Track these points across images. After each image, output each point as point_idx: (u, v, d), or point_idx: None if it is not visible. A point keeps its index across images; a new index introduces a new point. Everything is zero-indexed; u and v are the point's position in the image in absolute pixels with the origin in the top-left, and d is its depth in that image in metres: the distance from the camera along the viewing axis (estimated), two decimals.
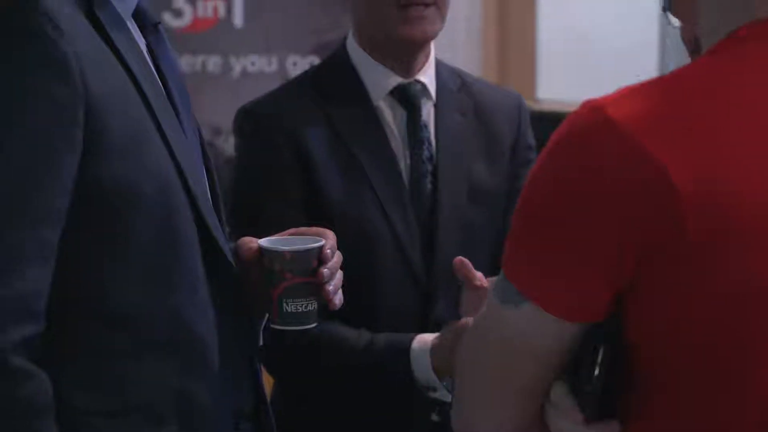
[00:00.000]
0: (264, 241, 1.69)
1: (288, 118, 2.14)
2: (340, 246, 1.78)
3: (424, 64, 2.19)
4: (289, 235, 1.74)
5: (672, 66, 4.95)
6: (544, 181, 1.25)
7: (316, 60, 4.31)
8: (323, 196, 2.10)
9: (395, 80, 2.17)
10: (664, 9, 1.38)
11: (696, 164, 1.19)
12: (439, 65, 2.23)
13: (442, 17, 2.13)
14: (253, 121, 2.16)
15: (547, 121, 2.08)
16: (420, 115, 2.17)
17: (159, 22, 1.62)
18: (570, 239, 1.23)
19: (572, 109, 1.26)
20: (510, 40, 4.74)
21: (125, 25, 1.54)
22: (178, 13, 4.29)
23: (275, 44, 4.32)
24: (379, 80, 2.17)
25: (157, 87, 1.55)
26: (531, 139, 2.28)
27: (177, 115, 1.59)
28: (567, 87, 4.73)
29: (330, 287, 1.68)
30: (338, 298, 1.71)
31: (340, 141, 2.13)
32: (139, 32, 1.59)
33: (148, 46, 1.60)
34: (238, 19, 4.33)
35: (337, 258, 1.71)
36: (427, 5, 2.09)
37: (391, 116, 2.17)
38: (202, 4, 4.31)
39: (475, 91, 2.26)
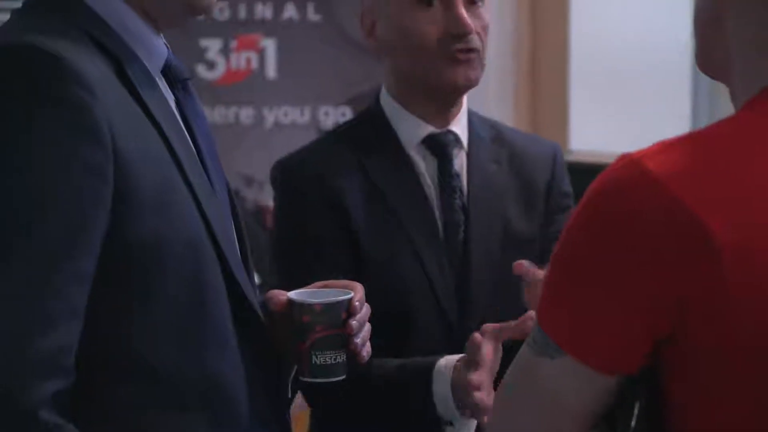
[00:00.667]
0: (293, 294, 1.69)
1: (322, 169, 2.15)
2: (375, 292, 1.79)
3: (456, 115, 2.20)
4: (318, 288, 1.74)
5: (704, 109, 4.99)
6: (581, 234, 1.24)
7: (348, 111, 4.33)
8: (358, 243, 2.12)
9: (427, 129, 2.18)
10: (699, 66, 1.38)
11: (733, 217, 1.18)
12: (472, 116, 2.25)
13: (483, 65, 2.16)
14: (288, 172, 2.18)
15: (580, 172, 2.09)
16: (452, 165, 2.18)
17: (188, 78, 1.63)
18: (608, 291, 1.22)
19: (606, 160, 1.26)
20: (542, 91, 4.74)
21: (155, 82, 1.55)
22: (211, 65, 4.32)
23: (307, 95, 4.34)
24: (411, 130, 2.18)
25: (185, 144, 1.56)
26: (567, 186, 2.29)
27: (206, 170, 1.59)
28: (600, 137, 4.73)
29: (358, 339, 1.68)
30: (366, 351, 1.71)
31: (375, 189, 2.15)
32: (168, 88, 1.60)
33: (177, 101, 1.61)
34: (271, 71, 4.35)
35: (366, 310, 1.72)
36: (471, 50, 2.12)
37: (423, 165, 2.18)
38: (236, 56, 4.33)
39: (510, 141, 2.27)
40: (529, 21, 4.69)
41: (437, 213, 2.16)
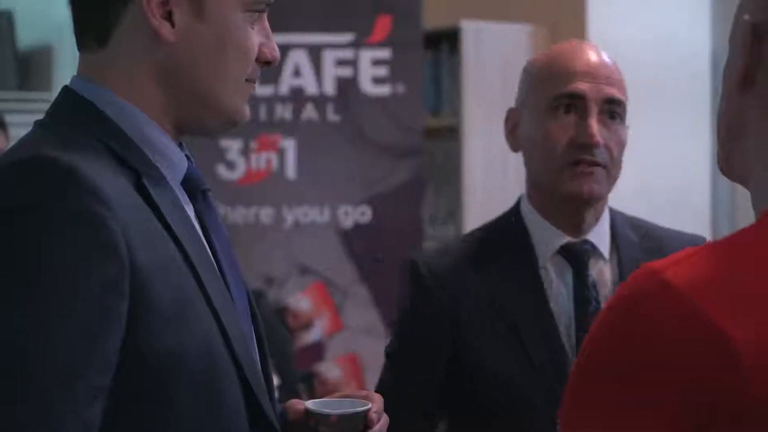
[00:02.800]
0: (310, 404, 1.68)
1: (447, 272, 2.15)
2: (483, 409, 1.79)
3: (594, 224, 2.16)
4: (338, 398, 1.73)
5: (724, 212, 5.00)
6: (604, 345, 1.24)
7: (367, 210, 4.36)
8: (469, 354, 2.11)
9: (563, 239, 2.14)
10: (720, 167, 1.38)
11: (757, 327, 1.18)
12: (616, 217, 2.21)
13: (611, 180, 2.12)
14: (416, 271, 2.17)
15: None
16: (587, 275, 2.14)
17: (208, 189, 1.63)
18: (630, 401, 1.21)
19: None
20: None
21: (174, 193, 1.55)
22: (231, 166, 4.35)
23: (327, 195, 4.37)
24: (547, 239, 2.15)
25: (204, 255, 1.55)
26: None
27: (224, 280, 1.60)
28: None
29: None
30: None
31: (496, 303, 2.13)
32: (187, 198, 1.60)
33: (196, 210, 1.61)
34: (290, 171, 4.38)
35: (384, 421, 1.70)
36: (596, 164, 2.09)
37: (558, 275, 2.14)
38: (256, 157, 4.37)
39: (659, 239, 2.22)
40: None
41: (565, 328, 2.12)
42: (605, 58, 2.15)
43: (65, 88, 1.57)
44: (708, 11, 4.99)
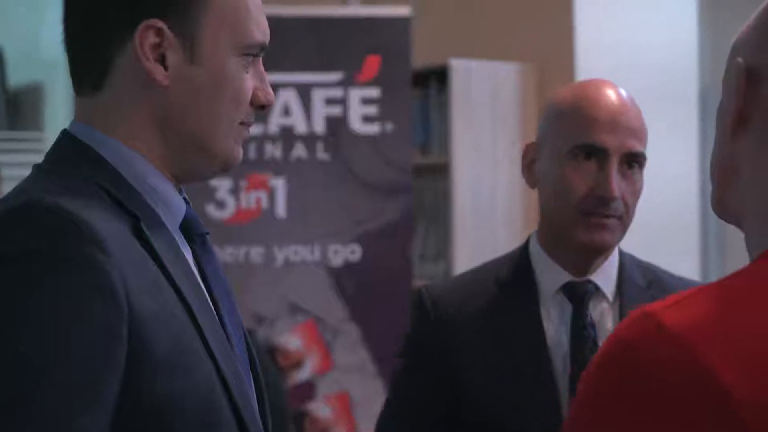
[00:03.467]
0: None
1: (452, 307, 2.17)
2: None
3: (601, 265, 2.17)
4: None
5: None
6: (598, 386, 1.24)
7: (357, 249, 4.36)
8: (466, 387, 2.13)
9: (566, 277, 2.15)
10: (713, 208, 1.38)
11: (750, 370, 1.18)
12: (625, 261, 2.21)
13: (624, 229, 2.13)
14: (420, 302, 2.19)
15: None
16: (586, 313, 2.14)
17: (206, 233, 1.63)
18: None
19: None
20: None
21: (172, 238, 1.55)
22: (221, 205, 4.36)
23: (317, 234, 4.38)
24: (551, 277, 2.16)
25: (202, 301, 1.55)
26: None
27: (223, 325, 1.60)
28: None
29: None
30: None
31: (495, 337, 2.14)
32: (185, 242, 1.60)
33: (194, 254, 1.61)
34: (280, 210, 4.39)
35: None
36: (609, 216, 2.09)
37: (558, 313, 2.15)
38: (245, 196, 4.38)
39: (667, 285, 2.22)
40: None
41: (561, 364, 2.13)
42: (628, 102, 2.13)
43: (63, 132, 1.57)
44: (696, 47, 5.02)
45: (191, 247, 1.61)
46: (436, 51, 4.92)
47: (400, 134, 4.42)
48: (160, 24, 1.52)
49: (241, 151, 1.61)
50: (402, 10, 4.46)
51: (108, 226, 1.44)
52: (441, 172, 4.81)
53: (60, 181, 1.49)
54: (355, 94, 4.41)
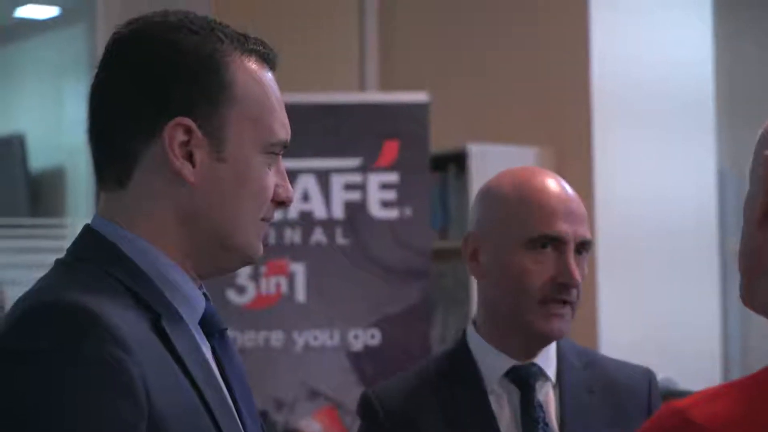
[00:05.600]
0: None
1: (399, 405, 2.18)
2: None
3: (542, 348, 2.19)
4: None
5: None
6: None
7: (377, 333, 4.36)
8: None
9: (510, 363, 2.17)
10: (743, 300, 1.38)
11: None
12: (563, 345, 2.23)
13: (573, 316, 2.16)
14: (368, 405, 2.20)
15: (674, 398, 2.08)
16: (534, 395, 2.16)
17: (226, 328, 1.64)
18: None
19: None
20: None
21: (191, 334, 1.56)
22: (241, 290, 4.37)
23: (337, 318, 4.38)
24: (494, 364, 2.17)
25: (221, 398, 1.56)
26: None
27: (241, 419, 1.60)
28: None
29: None
30: None
31: (451, 428, 2.14)
32: (204, 337, 1.61)
33: (213, 349, 1.62)
34: (300, 295, 4.39)
35: None
36: (565, 303, 2.12)
37: (505, 398, 2.17)
38: (265, 281, 4.39)
39: (604, 369, 2.24)
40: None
41: None
42: (571, 190, 2.18)
43: (87, 227, 1.59)
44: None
45: (209, 341, 1.62)
46: (454, 136, 4.95)
47: (419, 219, 4.44)
48: (189, 122, 1.54)
49: (261, 245, 1.63)
50: (420, 96, 4.50)
51: (129, 324, 1.45)
52: (460, 255, 4.80)
53: (82, 278, 1.51)
54: (374, 179, 4.44)
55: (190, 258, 1.58)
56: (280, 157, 1.62)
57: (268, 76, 1.61)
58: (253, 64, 1.59)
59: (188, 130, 1.54)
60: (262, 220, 1.60)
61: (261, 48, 1.60)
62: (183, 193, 1.55)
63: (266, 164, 1.59)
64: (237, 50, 1.57)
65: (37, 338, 1.42)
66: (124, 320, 1.45)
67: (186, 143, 1.54)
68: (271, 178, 1.60)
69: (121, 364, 1.41)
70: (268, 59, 1.61)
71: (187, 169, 1.54)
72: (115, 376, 1.41)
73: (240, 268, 1.67)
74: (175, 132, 1.54)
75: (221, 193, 1.56)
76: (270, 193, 1.60)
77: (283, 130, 1.61)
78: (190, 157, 1.54)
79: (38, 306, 1.46)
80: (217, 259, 1.60)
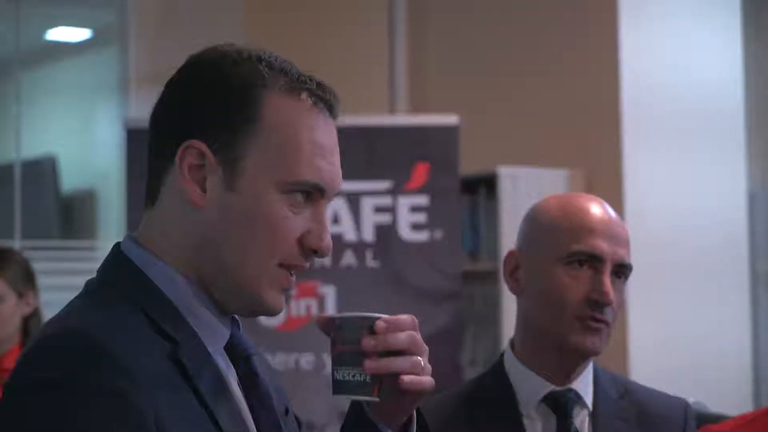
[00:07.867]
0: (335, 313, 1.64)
1: (438, 427, 2.12)
2: None
3: (580, 374, 2.20)
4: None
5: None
6: None
7: None
8: None
9: (548, 388, 2.17)
10: None
11: None
12: (599, 373, 2.24)
13: (609, 337, 2.16)
14: None
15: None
16: (570, 423, 2.16)
17: (252, 354, 1.61)
18: None
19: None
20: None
21: (211, 362, 1.54)
22: None
23: None
24: (532, 389, 2.18)
25: (239, 423, 1.54)
26: None
27: None
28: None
29: (373, 363, 1.56)
30: (409, 379, 1.61)
31: None
32: (230, 364, 1.58)
33: (239, 375, 1.59)
34: None
35: (399, 337, 1.59)
36: (603, 322, 2.12)
37: (540, 424, 2.17)
38: (295, 303, 4.40)
39: (639, 398, 2.24)
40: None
41: None
42: (616, 216, 2.21)
43: (116, 248, 1.59)
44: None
45: (236, 368, 1.59)
46: (484, 158, 4.96)
47: (449, 241, 4.44)
48: (201, 146, 1.52)
49: (281, 299, 1.55)
50: (450, 119, 4.51)
51: (143, 357, 1.44)
52: (490, 278, 4.81)
53: (102, 307, 1.50)
54: (404, 202, 4.44)
55: (207, 288, 1.55)
56: (323, 203, 1.56)
57: (313, 118, 1.57)
58: (296, 104, 1.55)
59: (201, 154, 1.53)
60: (281, 266, 1.54)
61: (318, 91, 1.57)
62: (195, 218, 1.54)
63: (288, 204, 1.53)
64: (282, 87, 1.55)
65: (46, 368, 1.42)
66: (139, 353, 1.44)
67: (200, 167, 1.53)
68: (296, 221, 1.53)
69: (130, 398, 1.41)
70: (324, 104, 1.58)
71: (195, 192, 1.53)
72: (123, 409, 1.40)
73: (252, 315, 1.58)
74: (186, 154, 1.53)
75: (229, 223, 1.52)
76: (288, 237, 1.53)
77: (311, 171, 1.54)
78: (203, 182, 1.53)
79: (51, 335, 1.46)
80: (226, 295, 1.55)
